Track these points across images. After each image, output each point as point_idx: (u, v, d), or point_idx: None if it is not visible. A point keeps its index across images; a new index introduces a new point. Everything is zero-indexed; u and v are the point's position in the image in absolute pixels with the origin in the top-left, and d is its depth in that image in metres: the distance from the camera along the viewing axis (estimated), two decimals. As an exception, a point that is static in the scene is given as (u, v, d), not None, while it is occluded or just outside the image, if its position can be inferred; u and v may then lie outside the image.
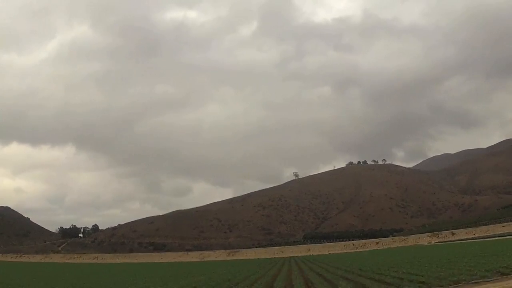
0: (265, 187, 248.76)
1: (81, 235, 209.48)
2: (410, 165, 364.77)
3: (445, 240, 70.46)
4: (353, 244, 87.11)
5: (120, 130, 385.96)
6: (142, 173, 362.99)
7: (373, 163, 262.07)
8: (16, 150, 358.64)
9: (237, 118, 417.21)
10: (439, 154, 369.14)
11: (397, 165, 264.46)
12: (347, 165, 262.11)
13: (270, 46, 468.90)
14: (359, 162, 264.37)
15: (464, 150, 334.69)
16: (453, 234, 78.15)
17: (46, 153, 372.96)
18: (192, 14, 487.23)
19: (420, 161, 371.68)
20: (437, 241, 71.58)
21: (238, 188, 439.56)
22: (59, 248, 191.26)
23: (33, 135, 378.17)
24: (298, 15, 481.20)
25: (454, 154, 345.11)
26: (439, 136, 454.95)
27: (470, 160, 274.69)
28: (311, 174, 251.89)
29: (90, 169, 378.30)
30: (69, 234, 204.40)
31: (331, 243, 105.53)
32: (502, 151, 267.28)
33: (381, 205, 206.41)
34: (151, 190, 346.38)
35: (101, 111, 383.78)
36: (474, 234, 73.78)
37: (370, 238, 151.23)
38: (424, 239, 78.21)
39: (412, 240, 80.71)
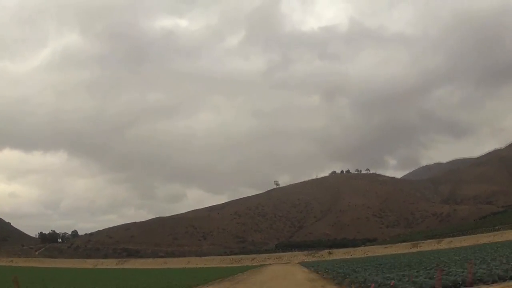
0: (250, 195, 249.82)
1: (60, 240, 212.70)
2: (402, 173, 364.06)
3: (320, 259, 70.84)
4: (232, 258, 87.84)
5: (112, 137, 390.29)
6: (136, 179, 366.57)
7: (356, 172, 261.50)
8: (8, 156, 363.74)
9: (229, 126, 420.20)
10: (431, 163, 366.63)
11: (380, 174, 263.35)
12: (330, 174, 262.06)
13: (258, 54, 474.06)
14: (342, 171, 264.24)
15: (456, 159, 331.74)
16: (330, 253, 78.87)
17: (38, 159, 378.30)
18: (182, 23, 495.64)
19: (412, 169, 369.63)
20: (312, 260, 72.23)
21: (232, 195, 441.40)
22: (37, 253, 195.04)
23: (25, 141, 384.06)
24: (286, 24, 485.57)
25: (446, 163, 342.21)
26: (431, 144, 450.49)
27: (455, 169, 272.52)
28: (292, 183, 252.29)
29: (83, 176, 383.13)
30: (49, 239, 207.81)
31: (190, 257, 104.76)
32: (487, 160, 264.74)
33: (358, 215, 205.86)
34: (146, 196, 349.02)
35: (92, 118, 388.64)
36: (352, 255, 74.31)
37: (341, 247, 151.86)
38: (300, 258, 79.04)
39: (287, 257, 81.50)
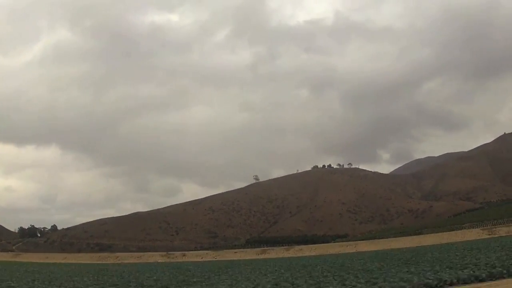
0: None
1: (39, 234, 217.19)
2: (394, 167, 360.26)
3: (174, 261, 70.47)
4: (99, 256, 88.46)
5: (104, 131, 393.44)
6: (131, 174, 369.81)
7: (338, 166, 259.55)
8: (1, 150, 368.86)
9: (221, 120, 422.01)
10: (423, 156, 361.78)
11: (362, 169, 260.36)
12: (312, 168, 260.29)
13: (246, 49, 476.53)
14: (323, 165, 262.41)
15: (447, 153, 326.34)
16: (184, 255, 78.71)
17: (31, 153, 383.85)
18: (172, 18, 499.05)
19: (404, 163, 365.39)
20: (167, 260, 72.11)
21: (227, 189, 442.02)
22: (14, 247, 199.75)
23: (17, 135, 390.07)
24: (276, 18, 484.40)
25: (438, 156, 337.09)
26: (424, 138, 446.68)
27: (440, 164, 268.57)
28: (272, 177, 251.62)
29: (78, 170, 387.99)
30: (28, 234, 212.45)
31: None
32: (473, 155, 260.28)
33: (332, 210, 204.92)
34: (141, 190, 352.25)
35: (85, 112, 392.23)
36: (202, 258, 73.56)
37: (311, 243, 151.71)
38: (155, 258, 79.15)
39: (146, 257, 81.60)
